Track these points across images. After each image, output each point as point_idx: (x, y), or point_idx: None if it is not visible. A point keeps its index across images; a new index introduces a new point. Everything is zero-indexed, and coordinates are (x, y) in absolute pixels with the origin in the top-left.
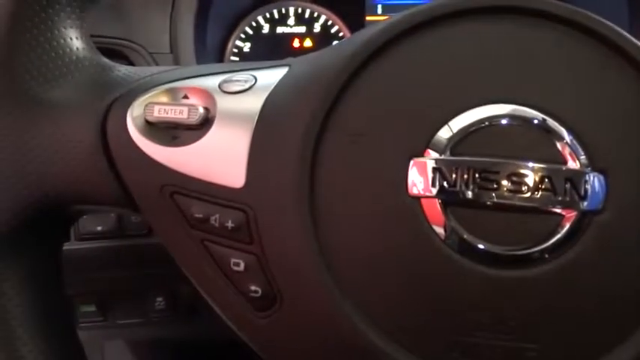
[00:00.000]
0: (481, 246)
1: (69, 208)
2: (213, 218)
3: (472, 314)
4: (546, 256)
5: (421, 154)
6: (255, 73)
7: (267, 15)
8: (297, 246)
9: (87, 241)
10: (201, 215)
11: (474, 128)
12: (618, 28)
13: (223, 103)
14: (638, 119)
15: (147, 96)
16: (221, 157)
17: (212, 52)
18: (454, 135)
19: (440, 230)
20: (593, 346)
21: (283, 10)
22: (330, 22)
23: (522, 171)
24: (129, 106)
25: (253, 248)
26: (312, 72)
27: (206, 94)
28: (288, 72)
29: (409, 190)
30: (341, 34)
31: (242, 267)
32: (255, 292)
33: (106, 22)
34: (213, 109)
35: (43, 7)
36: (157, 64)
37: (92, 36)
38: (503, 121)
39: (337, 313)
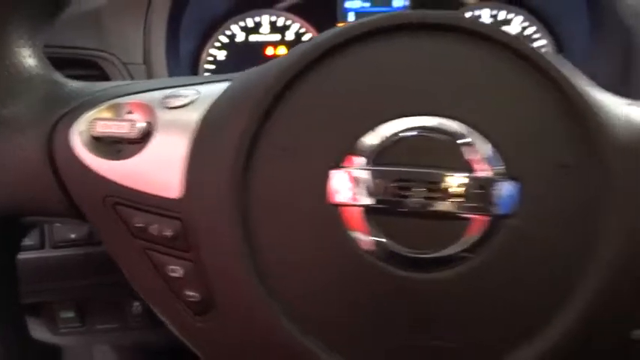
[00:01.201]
0: (398, 251)
1: (18, 221)
2: (152, 227)
3: (391, 317)
4: (458, 259)
5: (342, 164)
6: (200, 87)
7: (242, 24)
8: (231, 254)
9: (61, 248)
10: (141, 224)
11: (393, 139)
12: (530, 45)
13: (164, 117)
14: (551, 131)
15: (93, 112)
16: (160, 170)
17: (186, 62)
18: (374, 145)
19: (359, 236)
20: (502, 344)
21: (257, 19)
22: (302, 30)
23: (438, 179)
24: (74, 122)
25: (190, 256)
26: (246, 88)
27: (148, 108)
28: (227, 87)
29: (330, 199)
30: None
31: (180, 273)
32: (194, 297)
33: (82, 33)
34: (155, 124)
35: None
36: (130, 75)
37: (67, 47)
38: (421, 133)
39: (269, 319)
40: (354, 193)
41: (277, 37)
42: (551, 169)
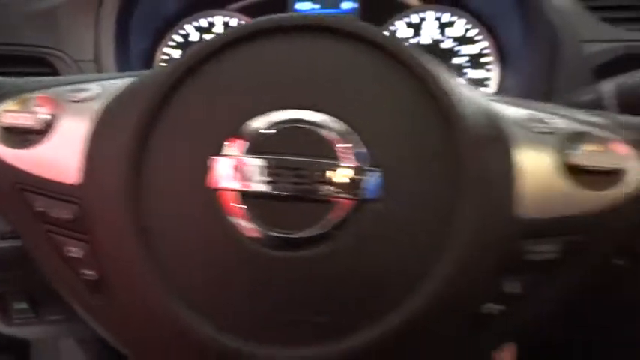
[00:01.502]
0: (271, 232)
1: None
2: (52, 211)
3: (264, 294)
4: (325, 239)
5: (223, 151)
6: (108, 82)
7: (195, 24)
8: (123, 238)
9: (9, 239)
10: (43, 209)
11: (271, 129)
12: (399, 40)
13: (68, 109)
14: (415, 125)
15: (3, 105)
16: (61, 157)
17: (138, 60)
18: (254, 134)
19: (236, 220)
20: (362, 317)
21: (210, 20)
22: None
23: (308, 167)
24: None
25: (88, 237)
26: (147, 80)
27: (54, 101)
28: (132, 82)
29: (210, 183)
30: None
31: (78, 254)
32: (91, 276)
33: (37, 31)
34: (59, 115)
35: None
36: (82, 72)
37: (22, 45)
38: (295, 125)
39: (159, 300)
40: (233, 179)
41: None
42: (413, 159)
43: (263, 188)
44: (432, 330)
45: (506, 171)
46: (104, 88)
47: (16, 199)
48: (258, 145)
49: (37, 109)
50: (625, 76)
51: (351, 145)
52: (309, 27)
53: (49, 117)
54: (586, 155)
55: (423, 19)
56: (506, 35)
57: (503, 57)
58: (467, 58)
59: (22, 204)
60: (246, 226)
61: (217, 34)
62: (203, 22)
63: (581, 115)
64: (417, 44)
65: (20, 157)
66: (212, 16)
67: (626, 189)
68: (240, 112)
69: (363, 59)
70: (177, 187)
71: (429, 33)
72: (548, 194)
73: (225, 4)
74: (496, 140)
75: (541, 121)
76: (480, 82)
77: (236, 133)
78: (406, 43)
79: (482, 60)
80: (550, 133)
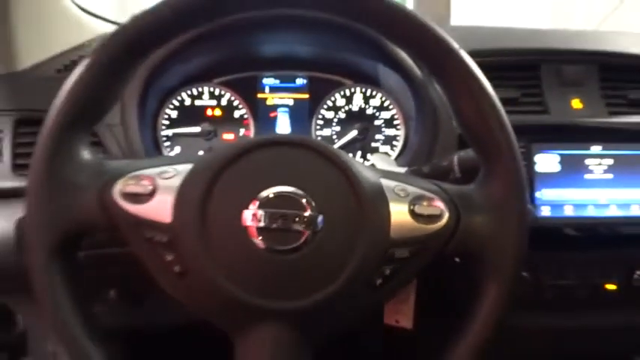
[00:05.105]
0: (272, 246)
1: (80, 241)
2: (156, 236)
3: (270, 277)
4: (297, 250)
5: (248, 206)
6: (177, 166)
7: (189, 92)
8: (195, 248)
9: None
10: (150, 236)
11: (271, 196)
12: (336, 150)
13: (161, 183)
14: (339, 192)
15: (123, 179)
16: (161, 210)
17: (149, 119)
18: (261, 199)
19: (254, 240)
20: (319, 284)
21: (200, 90)
22: (233, 98)
23: (289, 215)
24: (114, 185)
25: (176, 249)
26: (202, 166)
27: (152, 178)
28: (192, 167)
29: (242, 222)
30: (240, 106)
31: (170, 258)
32: (177, 269)
33: None
34: (156, 186)
35: (65, 139)
36: (112, 132)
37: None
38: (283, 194)
39: (213, 279)
40: (254, 220)
41: (214, 102)
42: (337, 209)
43: (268, 224)
44: (354, 291)
45: (385, 214)
46: (178, 171)
47: (134, 231)
48: (265, 204)
49: (144, 182)
50: (465, 150)
51: (309, 205)
52: (291, 142)
53: (151, 187)
54: (422, 207)
55: (353, 93)
56: (407, 106)
57: (407, 121)
58: (383, 121)
59: (137, 234)
60: (258, 242)
61: (243, 142)
62: (194, 91)
63: (425, 184)
64: (349, 110)
65: (138, 209)
66: (201, 87)
67: (441, 224)
68: (255, 187)
69: (316, 160)
70: (224, 223)
71: (358, 102)
72: (404, 226)
73: (212, 78)
74: (380, 199)
75: (402, 189)
76: (393, 138)
77: (254, 198)
78: (337, 147)
79: (394, 122)
80: (406, 195)
